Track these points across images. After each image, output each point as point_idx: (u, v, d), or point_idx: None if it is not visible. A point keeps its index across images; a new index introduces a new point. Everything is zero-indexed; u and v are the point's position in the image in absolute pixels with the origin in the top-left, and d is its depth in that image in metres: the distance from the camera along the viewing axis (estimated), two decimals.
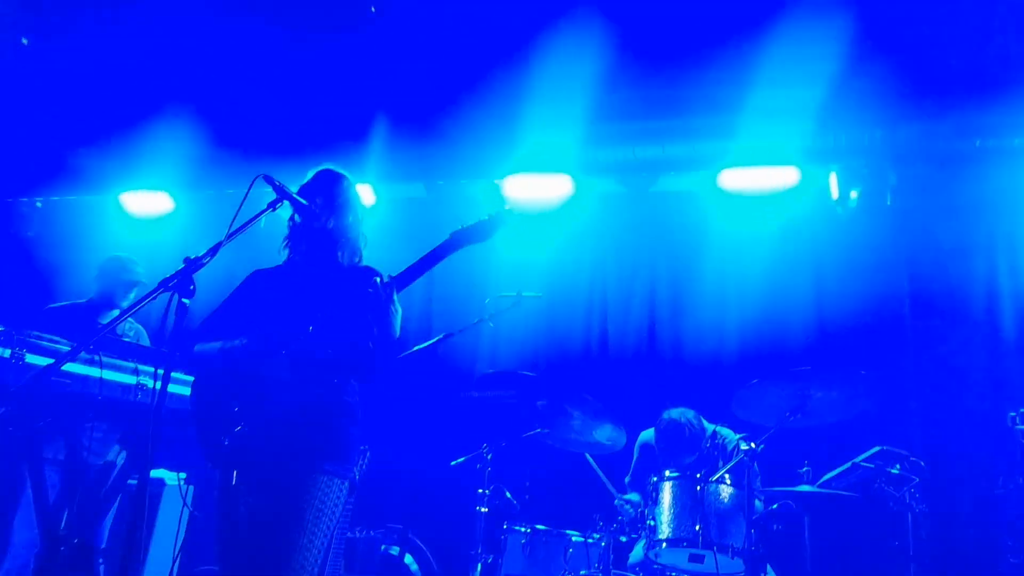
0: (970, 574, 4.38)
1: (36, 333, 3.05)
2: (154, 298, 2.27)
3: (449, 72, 5.10)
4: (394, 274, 2.65)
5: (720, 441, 4.32)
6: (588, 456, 4.32)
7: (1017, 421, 4.01)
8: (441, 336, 4.01)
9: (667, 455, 4.30)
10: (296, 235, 2.82)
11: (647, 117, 5.22)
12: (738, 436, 4.07)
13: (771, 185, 5.37)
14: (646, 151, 5.28)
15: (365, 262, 2.90)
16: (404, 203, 5.99)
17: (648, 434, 4.63)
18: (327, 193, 2.81)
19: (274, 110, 5.53)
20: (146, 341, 4.46)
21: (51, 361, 2.96)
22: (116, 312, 4.34)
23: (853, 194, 5.04)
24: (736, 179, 5.42)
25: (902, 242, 5.20)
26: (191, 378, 2.79)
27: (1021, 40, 4.43)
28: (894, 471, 3.58)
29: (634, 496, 4.31)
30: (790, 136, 5.00)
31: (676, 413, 4.28)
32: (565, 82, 4.90)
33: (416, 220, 5.81)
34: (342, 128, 5.45)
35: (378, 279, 2.59)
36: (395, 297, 2.58)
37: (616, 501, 4.15)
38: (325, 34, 4.94)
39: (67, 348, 3.09)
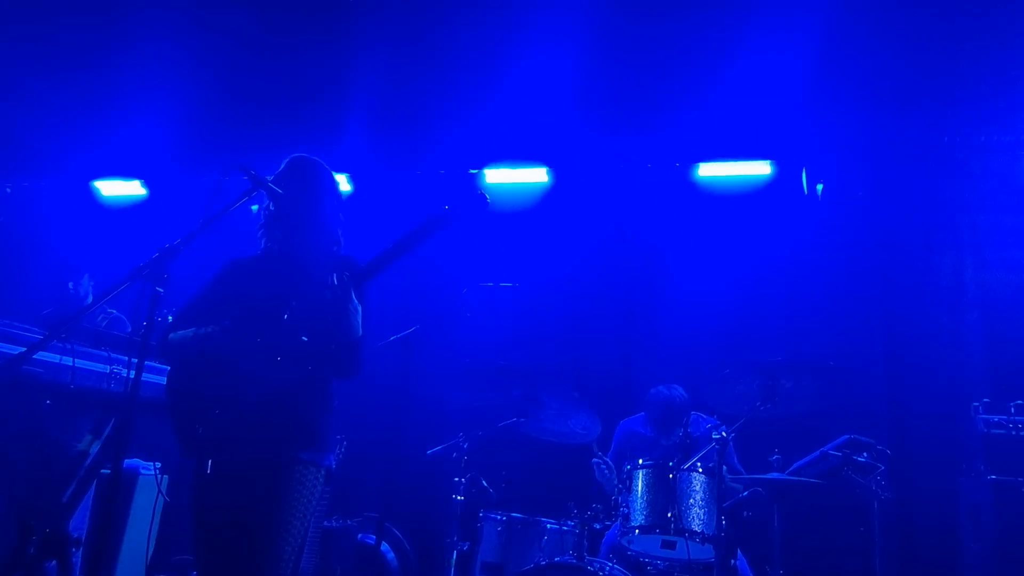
0: (933, 559, 4.50)
1: (6, 321, 3.01)
2: (127, 286, 2.26)
3: (426, 62, 5.08)
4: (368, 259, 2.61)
5: (692, 428, 4.39)
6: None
7: (980, 411, 4.11)
8: (416, 327, 4.02)
9: (659, 427, 4.44)
10: (271, 224, 2.80)
11: (623, 110, 5.26)
12: (710, 424, 4.14)
13: (745, 178, 5.46)
14: (622, 144, 5.33)
15: (345, 252, 2.88)
16: (381, 193, 5.98)
17: (628, 423, 4.70)
18: (301, 181, 2.79)
19: (250, 98, 5.48)
20: (125, 326, 4.43)
21: (22, 349, 2.93)
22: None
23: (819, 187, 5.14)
24: (711, 172, 5.49)
25: (871, 236, 5.30)
26: (165, 367, 2.77)
27: (990, 39, 4.52)
28: (861, 459, 3.65)
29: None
30: (764, 130, 5.07)
31: (666, 387, 4.46)
32: (543, 74, 4.91)
33: (393, 210, 5.81)
34: (318, 117, 5.42)
35: (335, 277, 2.52)
36: (353, 295, 2.54)
37: (594, 459, 4.20)
38: (302, 23, 4.89)
39: (39, 337, 3.06)
